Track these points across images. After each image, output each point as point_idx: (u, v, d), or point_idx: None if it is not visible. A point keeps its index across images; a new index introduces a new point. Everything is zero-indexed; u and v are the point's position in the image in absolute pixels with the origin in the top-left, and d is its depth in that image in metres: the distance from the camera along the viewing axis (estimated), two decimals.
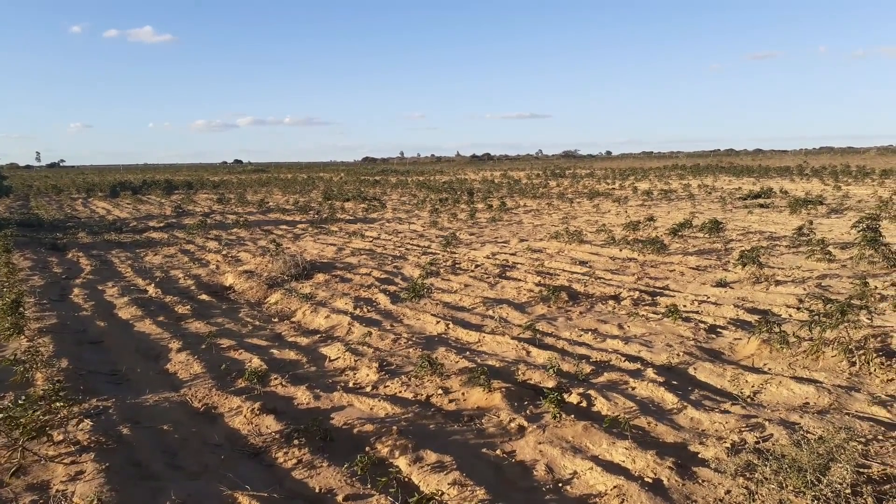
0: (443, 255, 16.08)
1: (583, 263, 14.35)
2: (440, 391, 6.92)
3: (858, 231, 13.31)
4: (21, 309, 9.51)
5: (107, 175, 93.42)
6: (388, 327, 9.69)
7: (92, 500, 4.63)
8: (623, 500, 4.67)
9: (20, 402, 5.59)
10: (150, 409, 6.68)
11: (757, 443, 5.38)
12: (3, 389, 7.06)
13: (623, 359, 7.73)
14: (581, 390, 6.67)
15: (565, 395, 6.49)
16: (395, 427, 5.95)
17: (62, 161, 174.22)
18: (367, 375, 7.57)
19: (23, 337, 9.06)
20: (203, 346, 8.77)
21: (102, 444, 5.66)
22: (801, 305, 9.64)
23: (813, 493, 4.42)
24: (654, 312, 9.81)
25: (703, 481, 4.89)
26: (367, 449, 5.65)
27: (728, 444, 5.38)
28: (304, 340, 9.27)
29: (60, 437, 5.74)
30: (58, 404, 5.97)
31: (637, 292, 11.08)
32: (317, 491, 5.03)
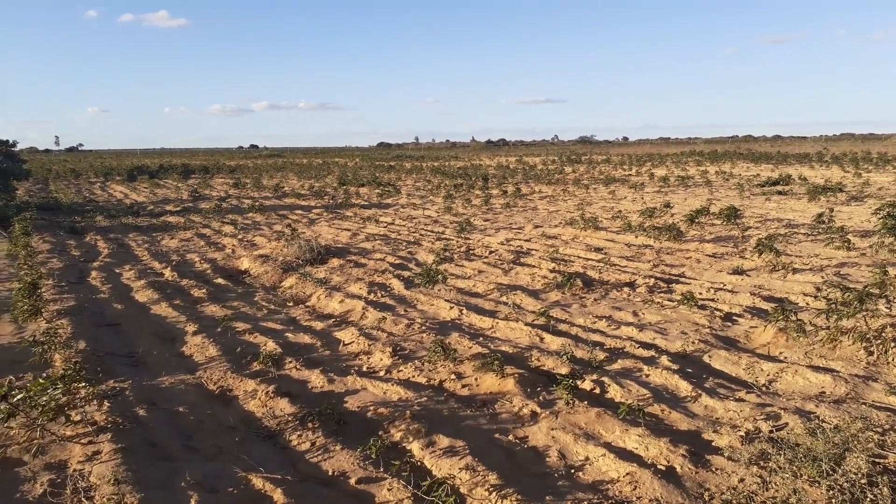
0: (457, 241, 16.06)
1: (598, 250, 14.27)
2: (453, 376, 6.93)
3: (879, 219, 13.12)
4: (39, 291, 9.62)
5: (124, 159, 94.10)
6: (402, 312, 9.70)
7: (108, 480, 4.70)
8: (636, 486, 4.66)
9: (39, 382, 5.67)
10: (166, 391, 6.75)
11: (771, 431, 5.34)
12: (23, 370, 7.16)
13: (637, 346, 7.70)
14: (594, 377, 6.65)
15: (578, 382, 6.47)
16: (408, 411, 5.98)
17: (80, 145, 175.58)
18: (381, 360, 7.59)
19: (41, 319, 9.18)
20: (218, 330, 8.84)
21: (119, 425, 5.74)
22: (818, 294, 9.53)
23: (828, 483, 4.39)
24: (670, 300, 9.75)
25: (717, 469, 4.87)
26: (380, 433, 5.68)
27: (742, 433, 5.34)
28: (318, 325, 9.31)
29: (78, 418, 5.82)
30: (76, 385, 6.05)
31: (652, 279, 11.01)
32: (330, 474, 5.07)
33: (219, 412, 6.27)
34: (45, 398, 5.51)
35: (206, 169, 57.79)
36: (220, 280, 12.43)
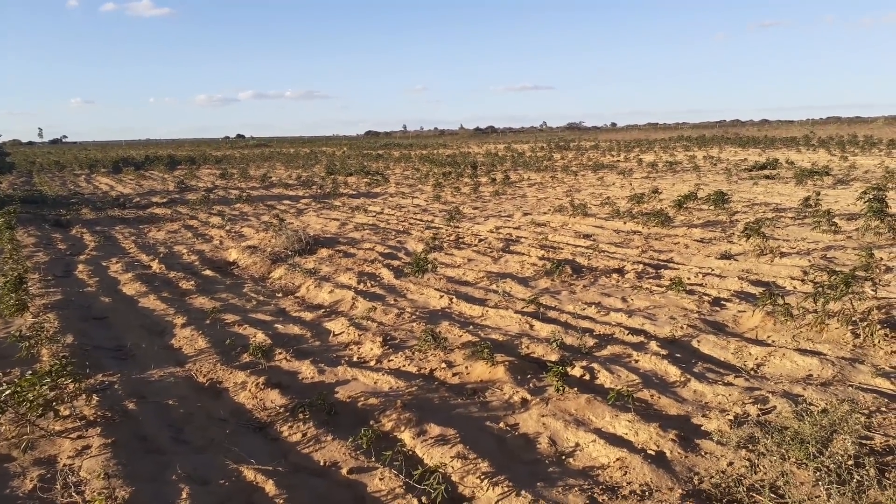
0: (446, 230, 16.04)
1: (587, 237, 14.30)
2: (444, 365, 6.94)
3: (864, 202, 13.22)
4: (25, 285, 9.53)
5: (109, 151, 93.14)
6: (392, 302, 9.70)
7: (99, 475, 4.68)
8: (626, 472, 4.69)
9: (27, 377, 5.63)
10: (155, 384, 6.72)
11: (760, 415, 5.39)
12: (10, 365, 7.10)
13: (626, 332, 7.73)
14: (584, 363, 6.68)
15: (568, 369, 6.49)
16: (399, 401, 5.98)
17: (65, 137, 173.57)
18: (371, 350, 7.59)
19: (28, 313, 9.10)
20: (207, 322, 8.80)
21: (108, 419, 5.70)
22: (805, 277, 9.61)
23: (815, 465, 4.44)
24: (658, 285, 9.79)
25: (706, 453, 4.91)
26: (371, 423, 5.68)
27: (731, 417, 5.39)
28: (308, 315, 9.29)
29: (67, 413, 5.78)
30: (64, 380, 6.00)
31: (641, 265, 11.05)
32: (322, 464, 5.07)
33: (209, 404, 6.25)
34: (33, 393, 5.48)
35: (193, 160, 57.27)
36: (208, 272, 12.36)
